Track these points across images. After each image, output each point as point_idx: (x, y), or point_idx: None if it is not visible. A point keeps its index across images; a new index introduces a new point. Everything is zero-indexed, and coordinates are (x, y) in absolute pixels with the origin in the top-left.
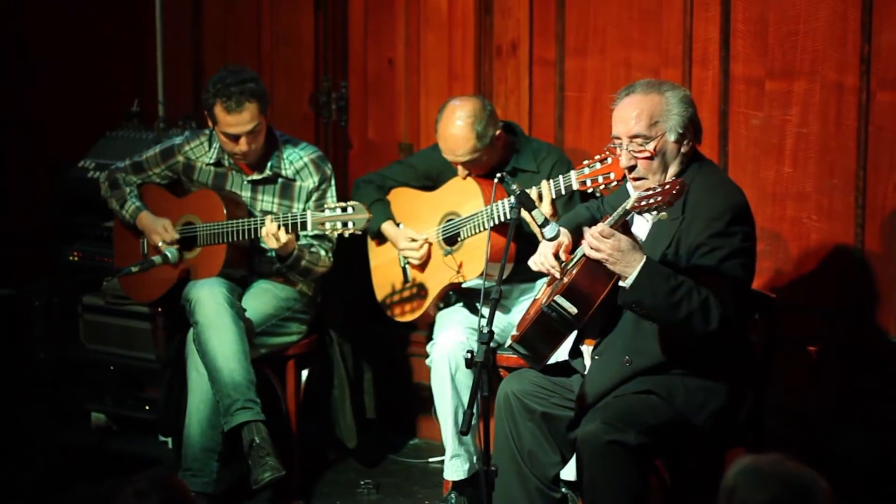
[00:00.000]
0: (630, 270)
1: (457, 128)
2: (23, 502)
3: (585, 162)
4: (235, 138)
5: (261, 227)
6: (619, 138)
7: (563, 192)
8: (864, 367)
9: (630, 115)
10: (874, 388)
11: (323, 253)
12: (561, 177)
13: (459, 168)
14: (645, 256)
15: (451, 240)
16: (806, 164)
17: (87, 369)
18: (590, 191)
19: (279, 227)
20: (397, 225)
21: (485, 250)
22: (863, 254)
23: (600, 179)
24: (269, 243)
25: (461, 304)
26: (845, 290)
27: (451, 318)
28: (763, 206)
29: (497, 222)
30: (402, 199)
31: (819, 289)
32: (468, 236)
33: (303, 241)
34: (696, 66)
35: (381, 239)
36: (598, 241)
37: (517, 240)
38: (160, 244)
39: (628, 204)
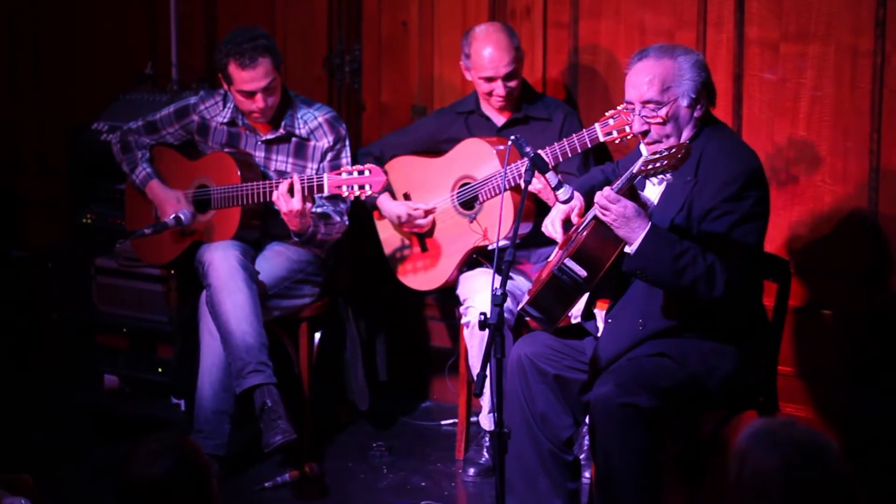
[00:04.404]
0: (634, 236)
1: (496, 38)
2: (36, 464)
3: (608, 113)
4: (251, 95)
5: (275, 190)
6: (631, 103)
7: (589, 145)
8: (877, 329)
9: (642, 80)
10: (888, 351)
11: (338, 218)
12: (585, 130)
13: (498, 86)
14: (650, 223)
15: (469, 204)
16: (820, 128)
17: (99, 331)
18: (617, 141)
19: (299, 189)
20: (394, 198)
21: (509, 212)
22: (877, 217)
23: (627, 129)
24: (281, 205)
25: (485, 265)
26: (859, 253)
27: (479, 279)
28: (777, 170)
29: (515, 184)
30: (406, 167)
31: (833, 252)
32: (487, 199)
33: (317, 209)
34: (711, 29)
35: (380, 213)
36: (604, 206)
37: (539, 201)
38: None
39: (635, 168)
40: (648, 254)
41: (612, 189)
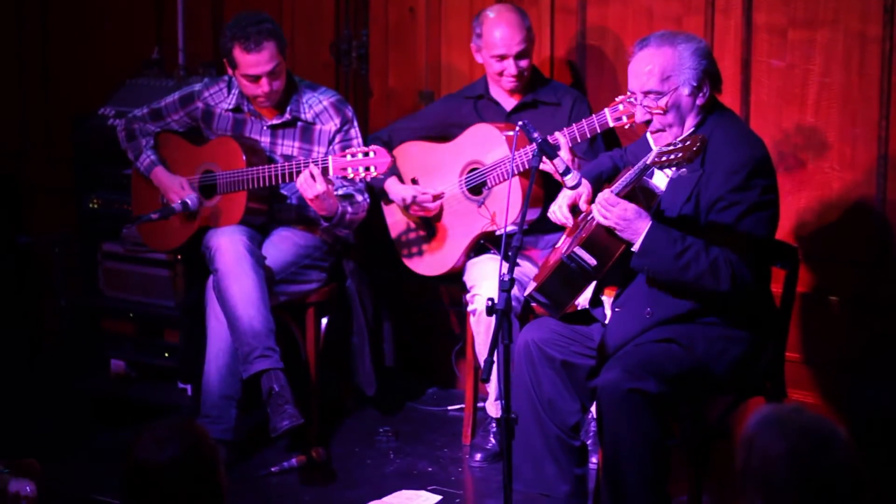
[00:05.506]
0: (636, 237)
1: (508, 17)
2: (42, 448)
3: (618, 98)
4: (256, 79)
5: (296, 175)
6: (633, 93)
7: (599, 130)
8: (885, 316)
9: (643, 69)
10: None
11: (360, 197)
12: (594, 115)
13: (510, 65)
14: (650, 222)
15: (477, 189)
16: (828, 114)
17: (106, 316)
18: (627, 127)
19: (319, 174)
20: (402, 183)
21: (517, 198)
22: (884, 203)
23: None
24: (307, 192)
25: (492, 251)
26: (867, 240)
27: (486, 266)
28: (785, 156)
29: (524, 169)
30: (415, 152)
31: (841, 238)
32: (496, 184)
33: (339, 190)
34: (719, 15)
35: (387, 198)
36: (605, 210)
37: (548, 187)
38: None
39: (648, 159)
40: (651, 252)
41: (611, 190)
